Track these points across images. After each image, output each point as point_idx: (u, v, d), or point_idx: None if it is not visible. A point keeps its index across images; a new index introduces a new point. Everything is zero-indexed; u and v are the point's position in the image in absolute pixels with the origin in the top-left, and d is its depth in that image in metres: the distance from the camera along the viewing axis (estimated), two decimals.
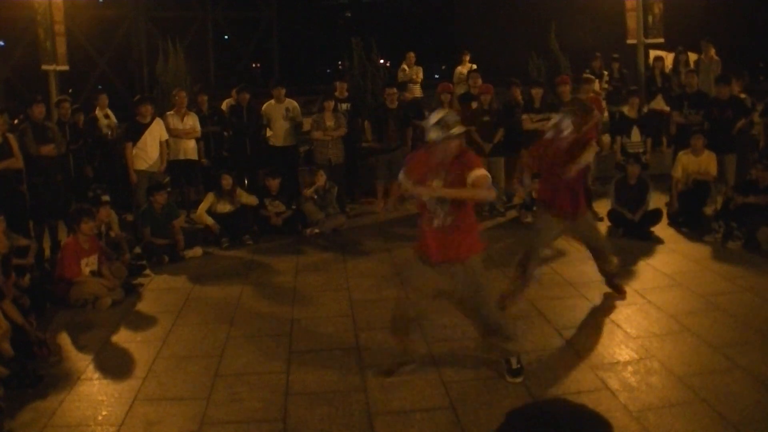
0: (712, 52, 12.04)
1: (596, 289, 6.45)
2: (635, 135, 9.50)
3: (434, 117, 4.50)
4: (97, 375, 5.23)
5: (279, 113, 10.21)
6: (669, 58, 12.57)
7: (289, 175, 10.06)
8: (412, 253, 4.89)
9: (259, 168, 10.23)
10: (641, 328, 5.69)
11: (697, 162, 8.78)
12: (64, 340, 5.89)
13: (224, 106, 10.87)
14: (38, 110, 8.27)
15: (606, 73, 12.41)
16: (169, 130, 9.38)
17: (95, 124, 10.33)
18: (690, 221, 8.58)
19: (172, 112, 9.69)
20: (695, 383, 4.67)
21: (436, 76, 19.74)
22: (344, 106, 10.43)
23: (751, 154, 9.49)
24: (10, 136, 7.89)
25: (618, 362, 5.07)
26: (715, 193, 8.83)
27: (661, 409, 4.39)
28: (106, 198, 8.44)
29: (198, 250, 8.29)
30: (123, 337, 5.96)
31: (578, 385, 4.76)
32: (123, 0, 21.65)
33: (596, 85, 11.34)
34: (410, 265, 4.97)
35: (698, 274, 6.95)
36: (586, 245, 6.36)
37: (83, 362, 5.42)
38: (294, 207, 9.31)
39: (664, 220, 8.63)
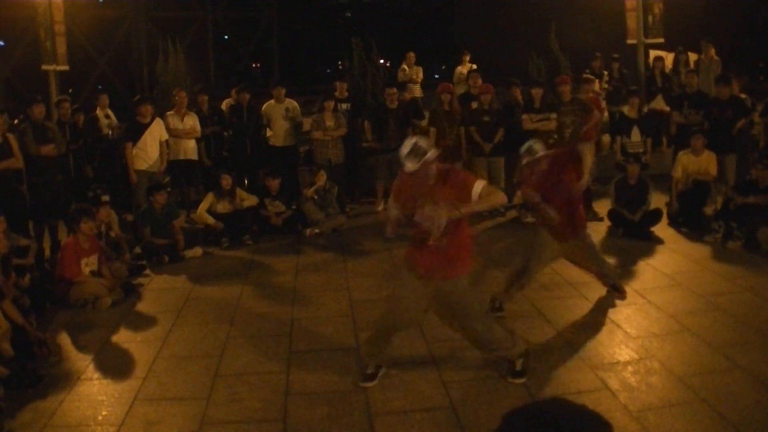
0: (712, 52, 12.03)
1: (596, 289, 6.46)
2: (635, 135, 9.49)
3: (405, 147, 4.43)
4: (97, 375, 5.23)
5: (279, 113, 10.21)
6: (669, 58, 12.57)
7: (289, 175, 10.07)
8: (400, 261, 4.88)
9: (259, 168, 10.23)
10: (641, 328, 5.69)
11: (697, 162, 8.78)
12: (64, 340, 5.88)
13: (224, 106, 10.88)
14: (38, 110, 8.27)
15: (606, 73, 12.41)
16: (169, 130, 9.38)
17: (95, 124, 10.33)
18: (690, 221, 8.58)
19: (172, 112, 9.69)
20: (695, 383, 4.67)
21: (436, 76, 19.74)
22: (344, 106, 10.44)
23: (751, 154, 9.49)
24: (10, 136, 7.88)
25: (618, 362, 5.07)
26: (715, 193, 8.83)
27: (661, 409, 4.39)
28: (106, 198, 8.44)
29: (198, 250, 8.29)
30: (123, 337, 5.96)
31: (578, 385, 4.76)
32: (123, 0, 21.66)
33: (596, 85, 11.34)
34: (397, 276, 4.96)
35: (698, 274, 6.95)
36: (581, 264, 6.37)
37: (83, 362, 5.42)
38: (294, 207, 9.31)
39: (664, 220, 8.63)
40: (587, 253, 6.24)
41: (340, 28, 32.45)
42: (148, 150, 8.99)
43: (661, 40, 12.62)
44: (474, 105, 10.10)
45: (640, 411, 4.37)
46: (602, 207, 9.02)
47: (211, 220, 8.77)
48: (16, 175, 7.98)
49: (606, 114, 11.42)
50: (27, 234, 7.88)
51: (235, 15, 25.18)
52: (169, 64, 11.86)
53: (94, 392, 4.95)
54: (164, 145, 9.18)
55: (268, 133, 10.41)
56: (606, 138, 10.71)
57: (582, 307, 6.19)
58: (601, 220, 8.84)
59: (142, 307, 6.70)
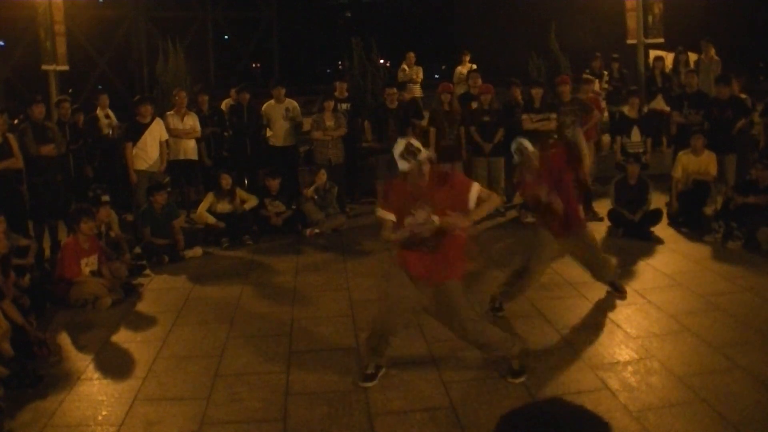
0: (712, 52, 12.03)
1: (596, 289, 6.45)
2: (635, 135, 9.49)
3: (397, 149, 4.49)
4: (97, 375, 5.23)
5: (279, 113, 10.21)
6: (669, 58, 12.57)
7: (289, 175, 10.07)
8: (392, 261, 4.88)
9: (259, 168, 10.23)
10: (641, 328, 5.69)
11: (697, 162, 8.78)
12: (64, 340, 5.89)
13: (224, 106, 10.88)
14: (38, 110, 8.27)
15: (606, 73, 12.41)
16: (169, 130, 9.38)
17: (95, 124, 10.33)
18: (690, 221, 8.58)
19: (172, 112, 9.69)
20: (695, 383, 4.67)
21: (436, 76, 19.75)
22: (344, 106, 10.43)
23: (751, 154, 9.48)
24: (10, 136, 7.89)
25: (618, 362, 5.07)
26: (715, 193, 8.83)
27: (661, 409, 4.39)
28: (106, 198, 8.44)
29: (198, 250, 8.29)
30: (123, 337, 5.96)
31: (578, 385, 4.76)
32: (123, 0, 21.64)
33: (596, 85, 11.34)
34: (390, 276, 4.95)
35: (698, 274, 6.95)
36: (582, 260, 6.38)
37: (83, 362, 5.42)
38: (294, 207, 9.31)
39: (664, 220, 8.63)
40: (588, 252, 6.24)
41: (340, 28, 32.41)
42: (148, 150, 8.99)
43: (661, 40, 12.62)
44: (474, 105, 10.10)
45: (640, 411, 4.37)
46: (602, 207, 9.02)
47: (211, 219, 8.77)
48: (16, 175, 7.99)
49: (606, 114, 11.43)
50: (27, 234, 7.88)
51: (235, 15, 25.15)
52: (169, 64, 11.86)
53: (94, 392, 4.95)
54: (164, 145, 9.18)
55: (268, 133, 10.41)
56: (606, 138, 10.71)
57: (582, 307, 6.19)
58: (601, 220, 8.84)
59: (142, 307, 6.70)
